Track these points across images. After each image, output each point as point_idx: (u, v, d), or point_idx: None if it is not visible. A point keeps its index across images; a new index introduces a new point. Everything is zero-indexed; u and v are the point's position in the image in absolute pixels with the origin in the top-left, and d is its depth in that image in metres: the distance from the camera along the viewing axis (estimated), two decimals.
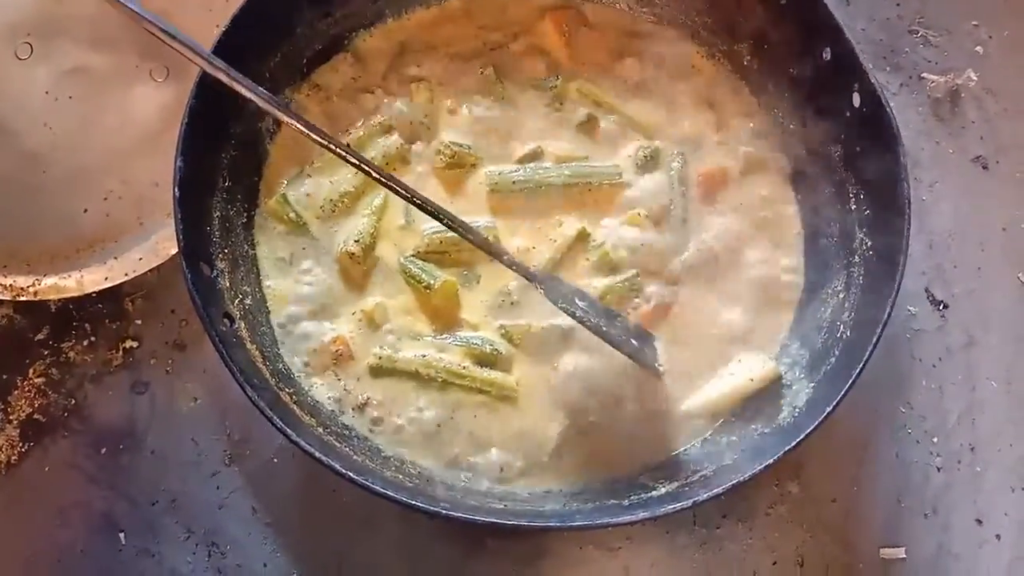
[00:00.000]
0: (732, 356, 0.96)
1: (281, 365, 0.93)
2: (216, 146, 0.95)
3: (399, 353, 0.93)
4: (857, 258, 0.93)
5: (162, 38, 0.82)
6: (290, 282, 0.97)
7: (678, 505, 0.79)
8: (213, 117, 0.91)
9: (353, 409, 0.92)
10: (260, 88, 0.84)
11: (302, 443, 0.78)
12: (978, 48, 1.20)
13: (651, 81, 1.06)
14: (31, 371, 1.01)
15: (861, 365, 0.83)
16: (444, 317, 0.96)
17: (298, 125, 0.84)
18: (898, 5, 1.23)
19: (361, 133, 1.02)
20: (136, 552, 0.95)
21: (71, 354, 1.02)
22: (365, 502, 0.92)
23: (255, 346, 0.90)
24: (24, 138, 0.99)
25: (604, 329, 0.88)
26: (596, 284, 0.95)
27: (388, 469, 0.88)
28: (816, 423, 0.81)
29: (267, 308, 0.96)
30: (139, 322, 1.04)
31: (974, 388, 1.04)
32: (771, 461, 0.80)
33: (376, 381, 0.93)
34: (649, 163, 1.02)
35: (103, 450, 0.99)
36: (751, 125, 1.05)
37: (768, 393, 0.93)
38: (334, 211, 0.99)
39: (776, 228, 1.01)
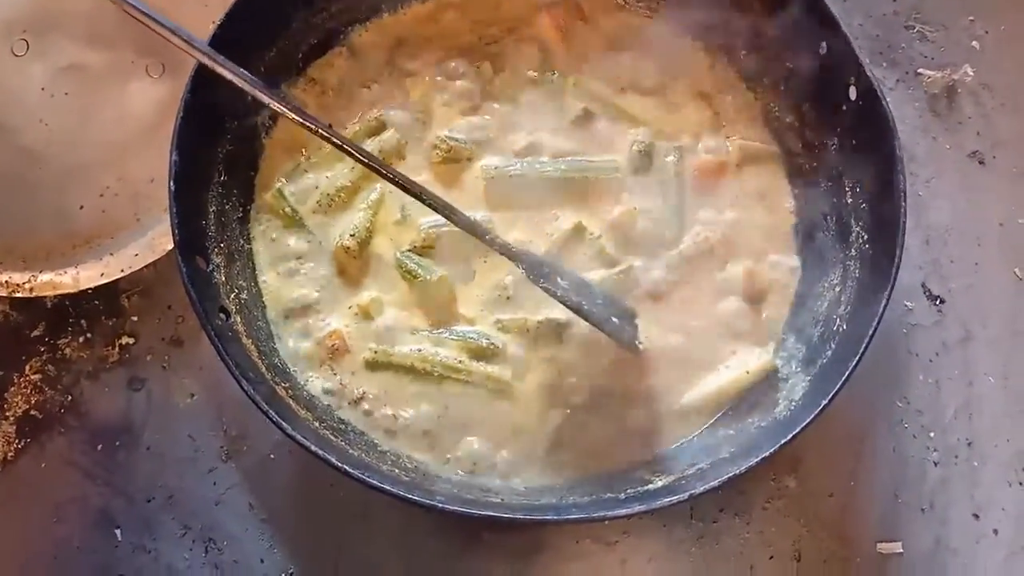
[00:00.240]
0: (728, 349, 0.96)
1: (277, 360, 0.93)
2: (211, 141, 0.95)
3: (395, 347, 0.93)
4: (853, 252, 0.93)
5: (161, 33, 0.82)
6: (286, 277, 0.97)
7: (675, 498, 0.79)
8: (208, 112, 0.91)
9: (349, 403, 0.92)
10: (258, 81, 0.84)
11: (298, 437, 0.78)
12: (975, 43, 1.20)
13: (647, 75, 1.06)
14: (27, 367, 1.01)
15: (857, 359, 0.83)
16: (440, 311, 0.95)
17: (296, 116, 0.84)
18: (895, 1, 1.23)
19: (357, 127, 1.02)
20: (133, 548, 0.95)
21: (67, 350, 1.02)
22: (362, 496, 0.92)
23: (251, 340, 0.90)
24: (20, 135, 0.98)
25: (584, 308, 0.88)
26: (592, 277, 0.95)
27: (384, 463, 0.88)
28: (812, 417, 0.81)
29: (263, 303, 0.96)
30: (135, 318, 1.03)
31: (971, 383, 1.04)
32: (767, 454, 0.80)
33: (372, 375, 0.93)
34: (645, 157, 1.02)
35: (99, 446, 0.99)
36: (747, 119, 1.05)
37: (764, 387, 0.93)
38: (330, 205, 0.99)
39: (772, 222, 1.01)
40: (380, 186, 1.00)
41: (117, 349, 1.02)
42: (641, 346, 0.91)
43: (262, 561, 0.95)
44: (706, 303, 0.97)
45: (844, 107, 0.94)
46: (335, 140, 0.85)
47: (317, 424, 0.87)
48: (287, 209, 0.98)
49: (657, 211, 1.00)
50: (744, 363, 0.94)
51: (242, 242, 0.97)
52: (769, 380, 0.93)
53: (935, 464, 1.00)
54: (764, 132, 1.05)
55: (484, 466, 0.90)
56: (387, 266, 0.97)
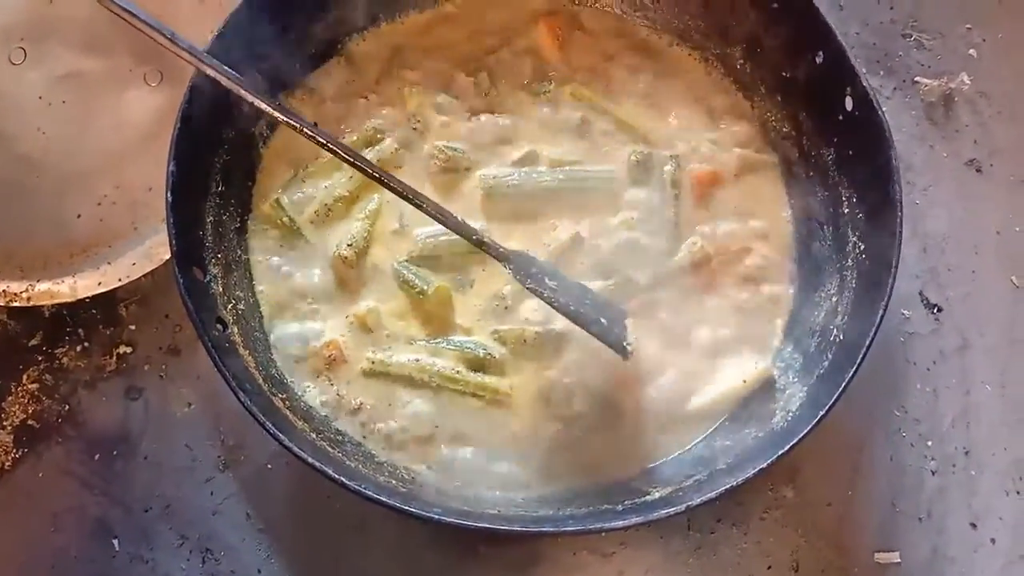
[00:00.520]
0: (724, 359, 0.96)
1: (274, 370, 0.92)
2: (209, 151, 0.95)
3: (392, 357, 0.93)
4: (850, 261, 0.93)
5: (161, 42, 0.82)
6: (283, 287, 0.97)
7: (672, 510, 0.79)
8: (206, 122, 0.91)
9: (346, 414, 0.92)
10: (259, 90, 0.84)
11: (295, 449, 0.78)
12: (971, 51, 1.20)
13: (645, 85, 1.06)
14: (25, 377, 1.01)
15: (854, 369, 0.83)
16: (437, 322, 0.95)
17: (294, 123, 0.85)
18: (891, 9, 1.23)
19: (355, 137, 1.02)
20: (130, 558, 0.95)
21: (65, 360, 1.02)
22: (358, 508, 0.92)
23: (248, 351, 0.90)
24: (17, 143, 0.99)
25: (571, 309, 0.87)
26: (590, 287, 0.95)
27: (381, 474, 0.88)
28: (810, 427, 0.81)
29: (260, 313, 0.96)
30: (133, 327, 1.03)
31: (968, 391, 1.04)
32: (764, 465, 0.80)
33: (369, 386, 0.93)
34: (643, 166, 1.02)
35: (97, 456, 0.98)
36: (744, 128, 1.05)
37: (761, 397, 0.93)
38: (328, 215, 0.99)
39: (769, 231, 1.01)
40: (378, 196, 1.00)
41: (114, 358, 1.02)
42: (630, 348, 0.90)
43: (259, 571, 0.94)
44: (703, 313, 0.97)
45: (841, 117, 0.94)
46: (333, 147, 0.85)
47: (314, 435, 0.87)
48: (285, 219, 0.98)
49: (654, 221, 1.00)
50: (741, 372, 0.94)
51: (239, 252, 0.97)
52: (766, 390, 0.93)
53: (932, 473, 1.00)
54: (761, 142, 1.05)
55: (481, 477, 0.90)
56: (384, 276, 0.97)
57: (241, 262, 0.97)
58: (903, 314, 1.06)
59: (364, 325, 0.95)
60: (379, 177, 0.87)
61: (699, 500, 0.78)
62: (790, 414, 0.88)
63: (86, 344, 1.03)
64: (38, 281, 1.00)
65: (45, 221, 1.01)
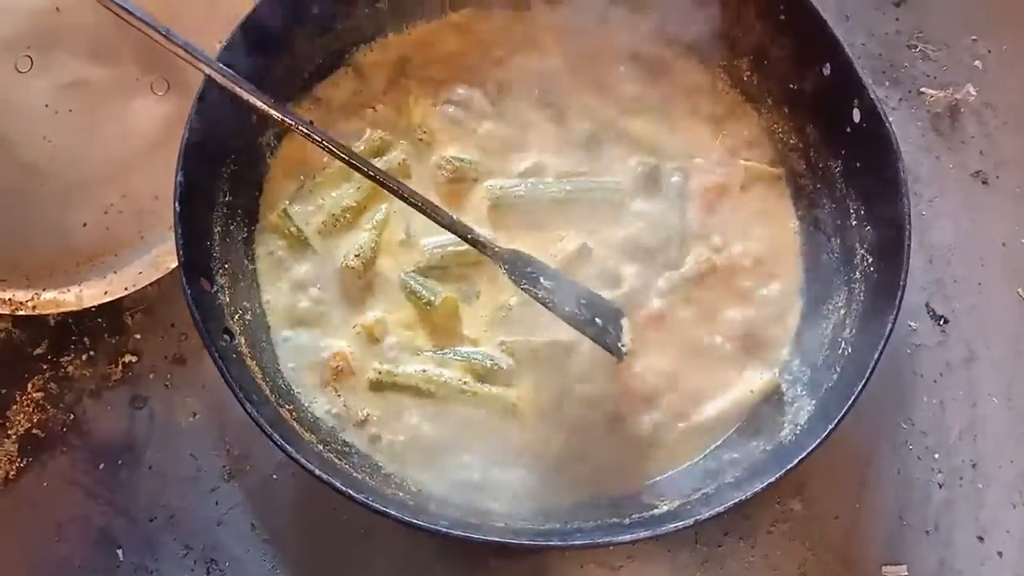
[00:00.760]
0: (732, 370, 0.96)
1: (281, 381, 0.92)
2: (217, 161, 0.94)
3: (399, 368, 0.93)
4: (858, 274, 0.93)
5: (175, 50, 0.82)
6: (290, 297, 0.96)
7: (680, 524, 0.78)
8: (214, 132, 0.91)
9: (353, 425, 0.92)
10: (271, 100, 0.84)
11: (302, 460, 0.78)
12: (977, 63, 1.20)
13: (651, 96, 1.06)
14: (30, 386, 1.01)
15: (863, 383, 0.83)
16: (444, 332, 0.95)
17: (308, 132, 0.85)
18: (897, 20, 1.23)
19: (362, 148, 1.02)
20: (134, 568, 0.95)
21: (70, 368, 1.02)
22: (365, 519, 0.91)
23: (255, 361, 0.89)
24: (23, 151, 0.98)
25: (566, 310, 0.87)
26: None
27: (388, 486, 0.87)
28: (818, 441, 0.81)
29: (267, 323, 0.96)
30: (138, 336, 1.03)
31: (975, 404, 1.03)
32: (773, 479, 0.80)
33: (376, 397, 0.93)
34: (649, 178, 1.02)
35: (101, 465, 0.98)
36: (751, 140, 1.05)
37: (769, 410, 0.93)
38: (335, 226, 0.99)
39: (776, 243, 1.01)
40: (385, 206, 1.00)
41: (120, 367, 1.02)
42: (624, 349, 0.90)
43: None
44: (710, 324, 0.97)
45: (848, 129, 0.94)
46: (333, 148, 0.85)
47: (321, 446, 0.87)
48: (292, 229, 0.98)
49: (661, 232, 1.00)
50: (748, 383, 0.94)
51: (246, 263, 0.97)
52: (774, 404, 0.93)
53: (940, 486, 1.00)
54: (768, 153, 1.05)
55: (488, 489, 0.90)
56: (392, 286, 0.97)
57: (248, 272, 0.96)
58: (910, 326, 1.06)
59: (371, 335, 0.94)
60: (380, 179, 0.86)
61: (707, 514, 0.78)
62: (798, 427, 0.88)
63: (91, 353, 1.02)
64: (44, 290, 1.00)
65: (51, 229, 1.01)
